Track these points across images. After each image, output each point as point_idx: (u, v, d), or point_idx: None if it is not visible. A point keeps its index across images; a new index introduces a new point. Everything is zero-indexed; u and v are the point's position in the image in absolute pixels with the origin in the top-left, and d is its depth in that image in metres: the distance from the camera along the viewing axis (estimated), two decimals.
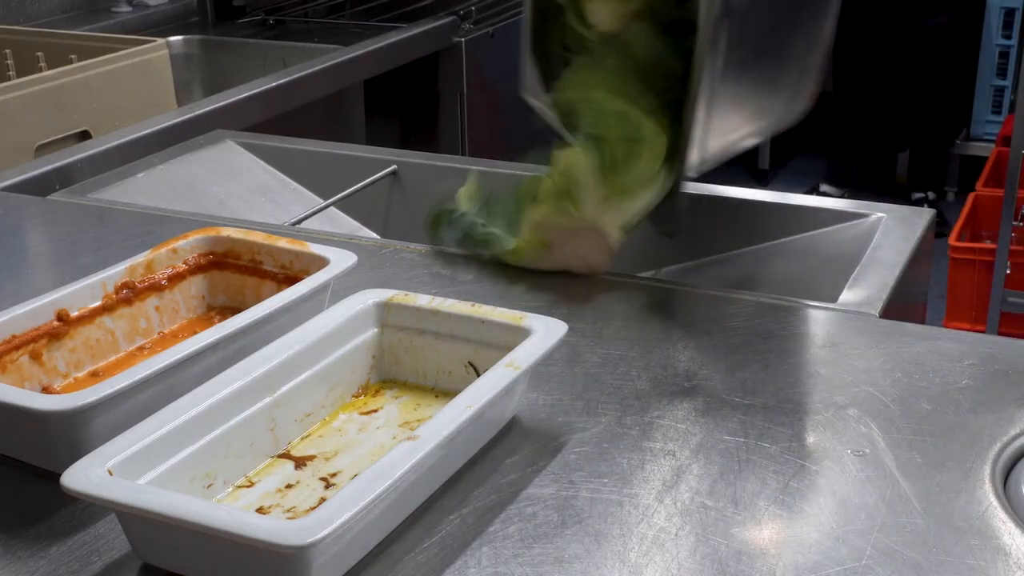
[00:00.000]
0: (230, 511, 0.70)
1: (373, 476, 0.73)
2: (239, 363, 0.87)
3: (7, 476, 0.87)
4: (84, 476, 0.73)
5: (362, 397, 0.95)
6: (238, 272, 1.08)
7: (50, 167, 1.59)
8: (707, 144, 1.10)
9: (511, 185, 1.22)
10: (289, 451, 0.88)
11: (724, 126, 1.14)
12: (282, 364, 0.88)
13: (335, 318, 0.94)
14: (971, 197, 3.32)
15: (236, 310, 1.02)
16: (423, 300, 0.96)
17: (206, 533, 0.69)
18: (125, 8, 2.82)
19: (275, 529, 0.68)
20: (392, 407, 0.94)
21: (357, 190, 1.58)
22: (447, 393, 0.94)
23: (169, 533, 0.73)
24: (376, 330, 0.96)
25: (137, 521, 0.74)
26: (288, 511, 0.82)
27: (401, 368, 0.97)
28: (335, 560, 0.73)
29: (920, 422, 0.90)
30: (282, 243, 1.06)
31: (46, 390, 0.95)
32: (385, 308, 0.96)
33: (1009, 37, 4.16)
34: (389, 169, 1.62)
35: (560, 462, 0.86)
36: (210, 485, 0.82)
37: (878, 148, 4.36)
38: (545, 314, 0.95)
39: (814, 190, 4.33)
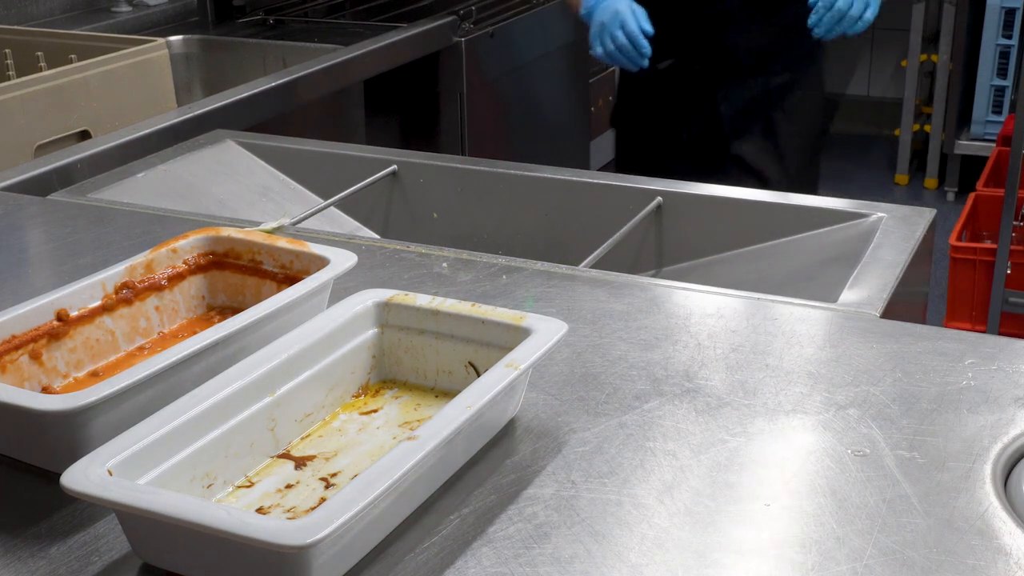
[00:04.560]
0: (230, 511, 0.70)
1: (373, 476, 0.73)
2: (239, 363, 0.87)
3: (7, 476, 0.87)
4: (84, 476, 0.73)
5: (362, 397, 0.95)
6: (238, 272, 1.08)
7: (50, 167, 1.59)
8: None
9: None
10: (289, 451, 0.88)
11: None
12: (282, 364, 0.88)
13: (335, 318, 0.94)
14: (971, 197, 3.32)
15: (236, 310, 1.02)
16: (423, 300, 0.96)
17: (206, 533, 0.69)
18: (125, 8, 2.82)
19: (275, 529, 0.68)
20: (392, 407, 0.94)
21: (357, 190, 1.58)
22: (447, 393, 0.94)
23: (169, 533, 0.73)
24: (376, 330, 0.96)
25: (137, 521, 0.74)
26: (288, 511, 0.82)
27: (401, 368, 0.97)
28: (335, 560, 0.73)
29: (920, 422, 0.90)
30: (282, 243, 1.06)
31: (46, 390, 0.95)
32: (385, 308, 0.96)
33: (1009, 37, 4.16)
34: (389, 169, 1.62)
35: (560, 462, 0.86)
36: (210, 485, 0.82)
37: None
38: (545, 314, 0.95)
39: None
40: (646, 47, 1.92)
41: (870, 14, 1.93)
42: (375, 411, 0.94)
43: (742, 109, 2.17)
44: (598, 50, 1.97)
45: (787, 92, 2.18)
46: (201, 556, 0.73)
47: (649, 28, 1.92)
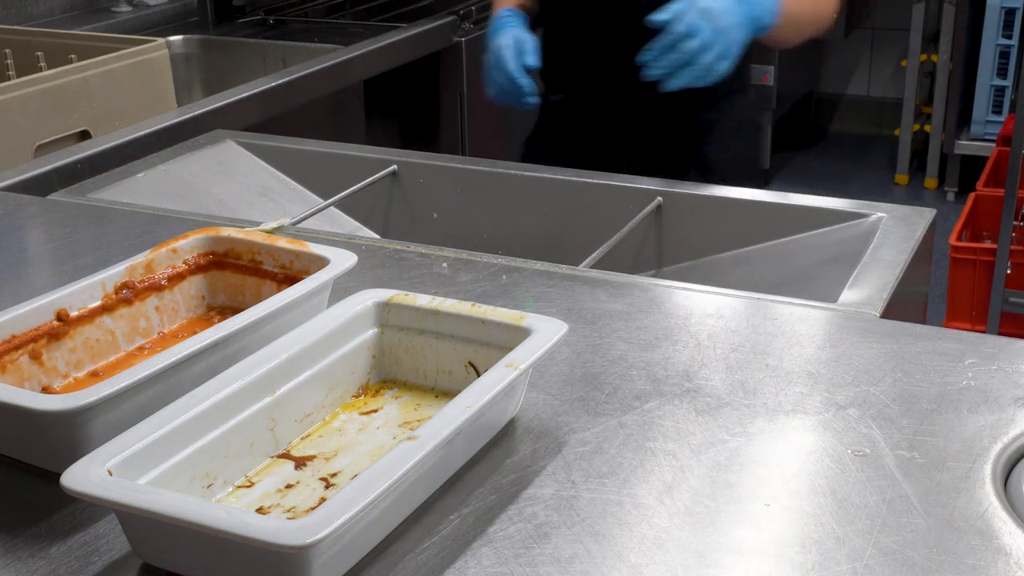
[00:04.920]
0: (230, 511, 0.70)
1: (373, 476, 0.73)
2: (239, 363, 0.87)
3: (7, 476, 0.87)
4: (84, 476, 0.73)
5: (362, 397, 0.95)
6: (238, 272, 1.08)
7: (50, 167, 1.59)
8: None
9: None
10: (289, 451, 0.88)
11: None
12: (282, 364, 0.88)
13: (335, 318, 0.94)
14: (971, 197, 3.32)
15: (236, 310, 1.02)
16: (423, 300, 0.96)
17: (206, 533, 0.69)
18: (125, 8, 2.82)
19: (275, 529, 0.68)
20: (392, 407, 0.94)
21: (357, 190, 1.57)
22: (447, 393, 0.94)
23: (169, 533, 0.73)
24: (376, 330, 0.97)
25: (137, 521, 0.74)
26: (288, 511, 0.82)
27: (401, 368, 0.97)
28: (335, 560, 0.73)
29: (920, 422, 0.90)
30: (282, 243, 1.06)
31: (46, 390, 0.95)
32: (385, 308, 0.96)
33: (1009, 37, 4.16)
34: (389, 169, 1.62)
35: (560, 462, 0.86)
36: (210, 485, 0.82)
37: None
38: (545, 314, 0.95)
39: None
40: (527, 86, 1.61)
41: (725, 66, 1.48)
42: (375, 411, 0.94)
43: (642, 155, 1.77)
44: (489, 92, 1.68)
45: (698, 143, 1.76)
46: (201, 556, 0.73)
47: (533, 62, 1.62)
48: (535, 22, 1.78)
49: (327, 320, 0.93)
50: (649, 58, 1.47)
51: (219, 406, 0.83)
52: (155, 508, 0.70)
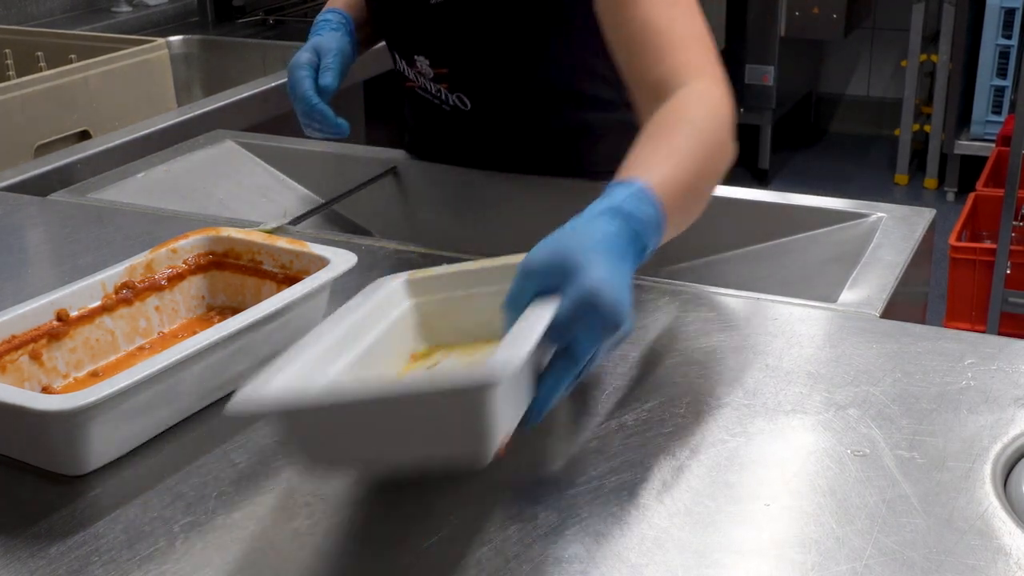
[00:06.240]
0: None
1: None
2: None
3: (7, 476, 0.87)
4: (256, 395, 0.74)
5: (419, 360, 0.96)
6: (238, 272, 1.08)
7: (50, 167, 1.59)
8: None
9: None
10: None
11: None
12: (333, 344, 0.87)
13: (368, 299, 0.94)
14: (971, 197, 3.32)
15: (236, 310, 1.02)
16: (440, 270, 0.97)
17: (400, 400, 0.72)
18: (125, 8, 2.82)
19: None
20: (449, 360, 0.95)
21: (357, 190, 1.57)
22: (498, 339, 0.93)
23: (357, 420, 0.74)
24: (411, 302, 0.98)
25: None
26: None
27: (442, 333, 0.97)
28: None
29: (920, 422, 0.90)
30: (282, 243, 1.06)
31: (46, 390, 0.95)
32: (409, 285, 0.97)
33: (1009, 37, 4.16)
34: (389, 169, 1.62)
35: (561, 462, 0.86)
36: None
37: None
38: None
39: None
40: (326, 114, 1.34)
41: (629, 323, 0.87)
42: (435, 365, 0.95)
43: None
44: (302, 124, 1.40)
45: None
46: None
47: (330, 81, 1.36)
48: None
49: (360, 302, 0.93)
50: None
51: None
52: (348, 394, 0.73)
